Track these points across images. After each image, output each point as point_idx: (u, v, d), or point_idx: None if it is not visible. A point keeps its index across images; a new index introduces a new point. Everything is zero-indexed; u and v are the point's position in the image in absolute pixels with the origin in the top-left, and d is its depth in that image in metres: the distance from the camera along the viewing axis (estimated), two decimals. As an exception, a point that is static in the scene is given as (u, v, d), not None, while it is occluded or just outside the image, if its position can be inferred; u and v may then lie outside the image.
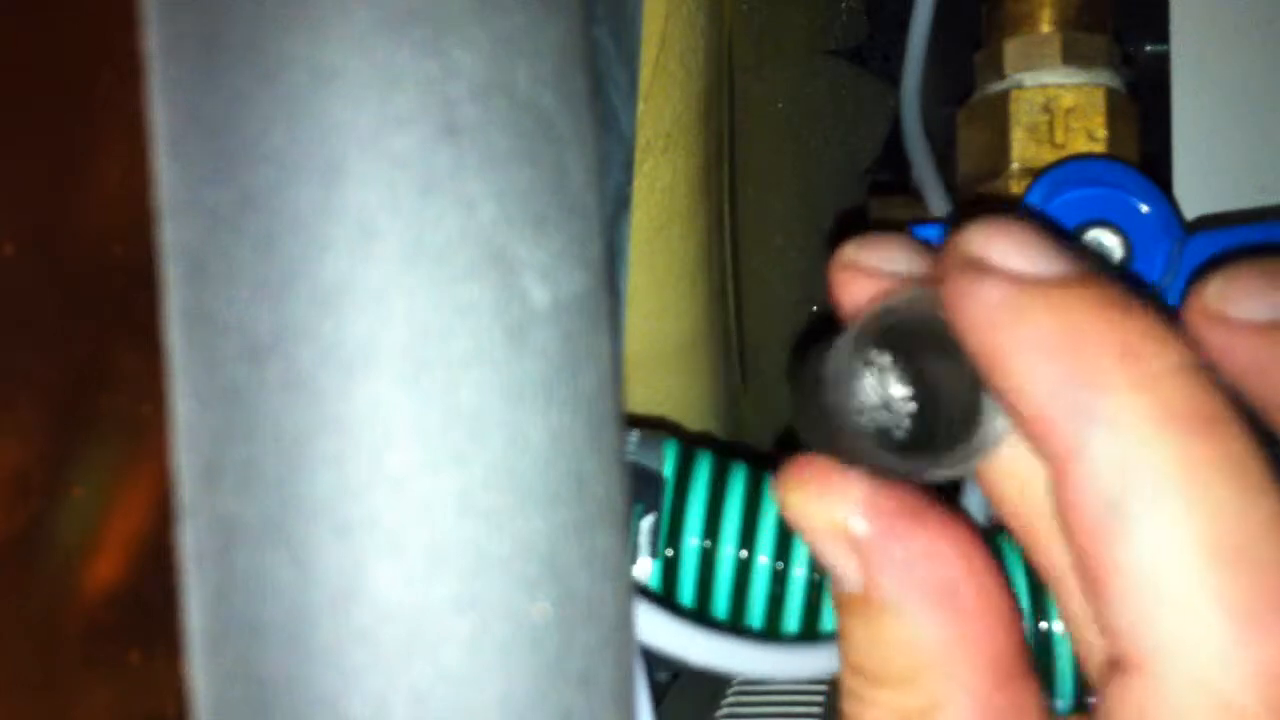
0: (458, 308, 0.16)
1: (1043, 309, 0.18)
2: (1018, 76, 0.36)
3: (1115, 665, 0.17)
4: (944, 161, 0.40)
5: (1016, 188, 0.35)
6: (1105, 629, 0.17)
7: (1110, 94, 0.35)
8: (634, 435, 0.32)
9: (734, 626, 0.32)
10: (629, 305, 0.35)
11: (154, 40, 0.17)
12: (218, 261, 0.16)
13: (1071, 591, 0.19)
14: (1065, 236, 0.20)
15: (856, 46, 0.50)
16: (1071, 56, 0.35)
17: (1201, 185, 0.35)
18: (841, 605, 0.20)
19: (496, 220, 0.17)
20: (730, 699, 0.34)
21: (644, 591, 0.31)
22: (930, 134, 0.41)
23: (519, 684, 0.16)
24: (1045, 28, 0.36)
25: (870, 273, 0.21)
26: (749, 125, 0.47)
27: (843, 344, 0.19)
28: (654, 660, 0.37)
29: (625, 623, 0.18)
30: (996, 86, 0.36)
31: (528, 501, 0.17)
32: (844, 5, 0.47)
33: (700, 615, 0.32)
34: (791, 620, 0.31)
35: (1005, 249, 0.19)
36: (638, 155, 0.34)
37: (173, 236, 0.17)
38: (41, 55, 0.21)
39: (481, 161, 0.17)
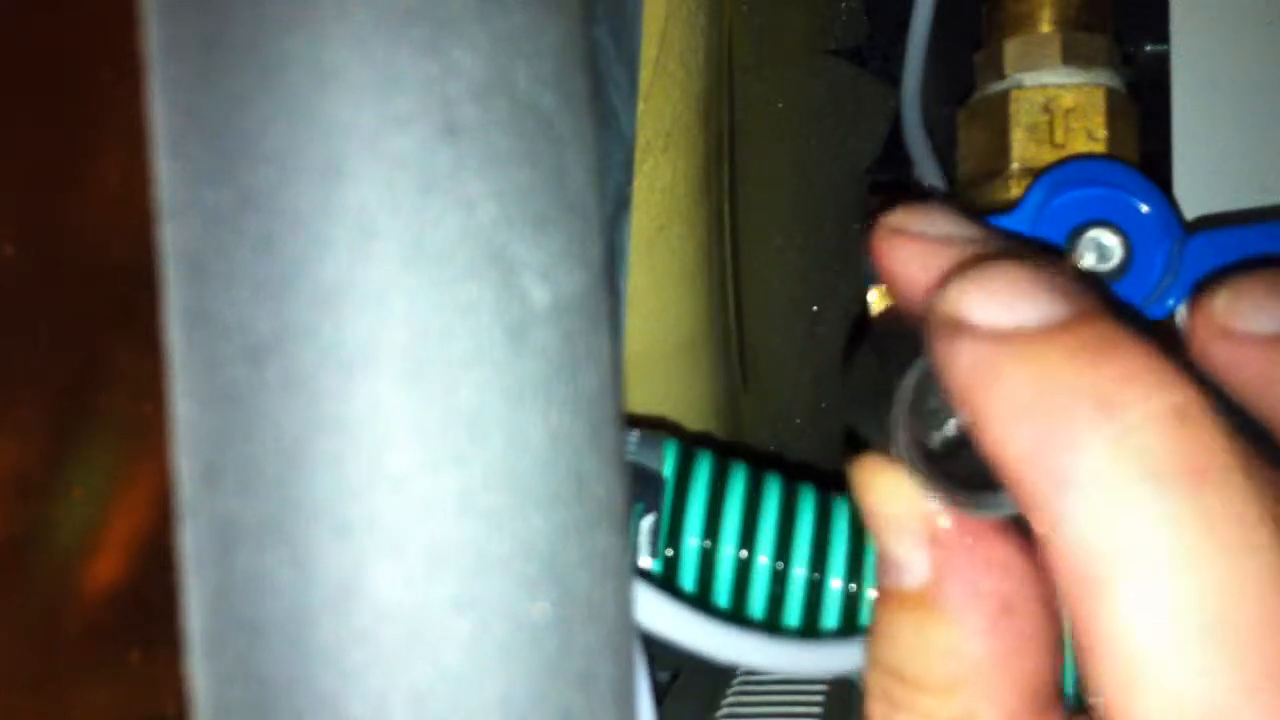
0: (457, 308, 0.16)
1: (1018, 365, 0.17)
2: (1018, 76, 0.36)
3: None
4: (943, 161, 0.40)
5: (1016, 188, 0.35)
6: (1093, 692, 0.17)
7: (1110, 94, 0.35)
8: (634, 435, 0.33)
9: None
10: (629, 305, 0.35)
11: (154, 40, 0.17)
12: (218, 261, 0.16)
13: None
14: (1050, 254, 0.19)
15: (856, 46, 0.50)
16: (1071, 56, 0.35)
17: (1201, 185, 0.35)
18: (893, 602, 0.19)
19: (496, 220, 0.17)
20: (730, 699, 0.34)
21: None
22: (930, 134, 0.41)
23: (519, 684, 0.16)
24: (1045, 28, 0.36)
25: (917, 238, 0.21)
26: (749, 125, 0.47)
27: (916, 374, 0.19)
28: (654, 660, 0.37)
29: (625, 623, 0.18)
30: (996, 86, 0.36)
31: (528, 501, 0.17)
32: (844, 5, 0.47)
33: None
34: (791, 620, 0.31)
35: (982, 301, 0.18)
36: (638, 155, 0.34)
37: (173, 237, 0.17)
38: (41, 55, 0.21)
39: (481, 161, 0.17)
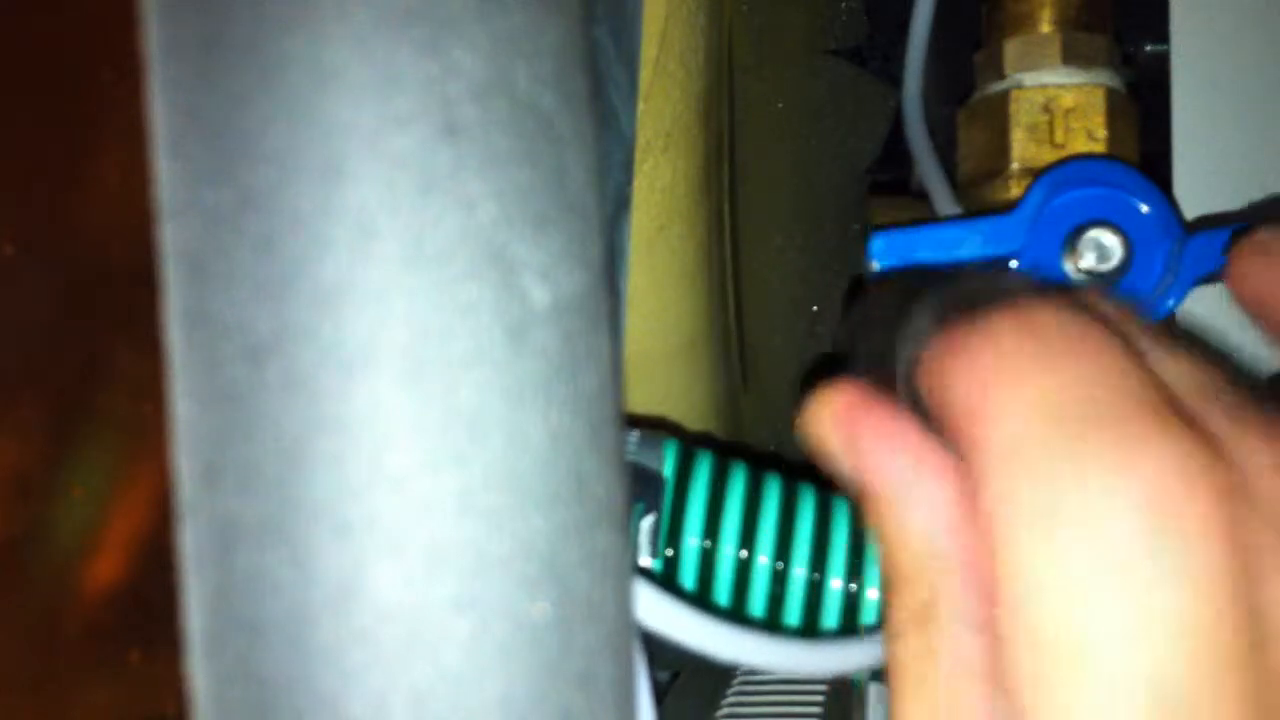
0: (457, 308, 0.16)
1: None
2: (1018, 76, 0.36)
3: None
4: (944, 161, 0.40)
5: (1016, 188, 0.35)
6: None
7: (1110, 94, 0.35)
8: (634, 435, 0.32)
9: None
10: (629, 305, 0.35)
11: (154, 40, 0.17)
12: (218, 262, 0.16)
13: None
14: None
15: (856, 46, 0.50)
16: (1071, 56, 0.35)
17: (1201, 185, 0.35)
18: (866, 507, 0.20)
19: (496, 220, 0.17)
20: (730, 699, 0.34)
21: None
22: (930, 134, 0.41)
23: (519, 684, 0.16)
24: (1045, 28, 0.36)
25: None
26: (749, 125, 0.47)
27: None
28: (654, 660, 0.37)
29: (625, 623, 0.18)
30: (996, 86, 0.36)
31: (528, 501, 0.17)
32: (844, 5, 0.47)
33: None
34: (791, 620, 0.31)
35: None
36: (638, 155, 0.34)
37: (173, 237, 0.17)
38: (41, 55, 0.21)
39: (481, 161, 0.17)
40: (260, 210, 0.16)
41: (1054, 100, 0.35)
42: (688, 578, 0.31)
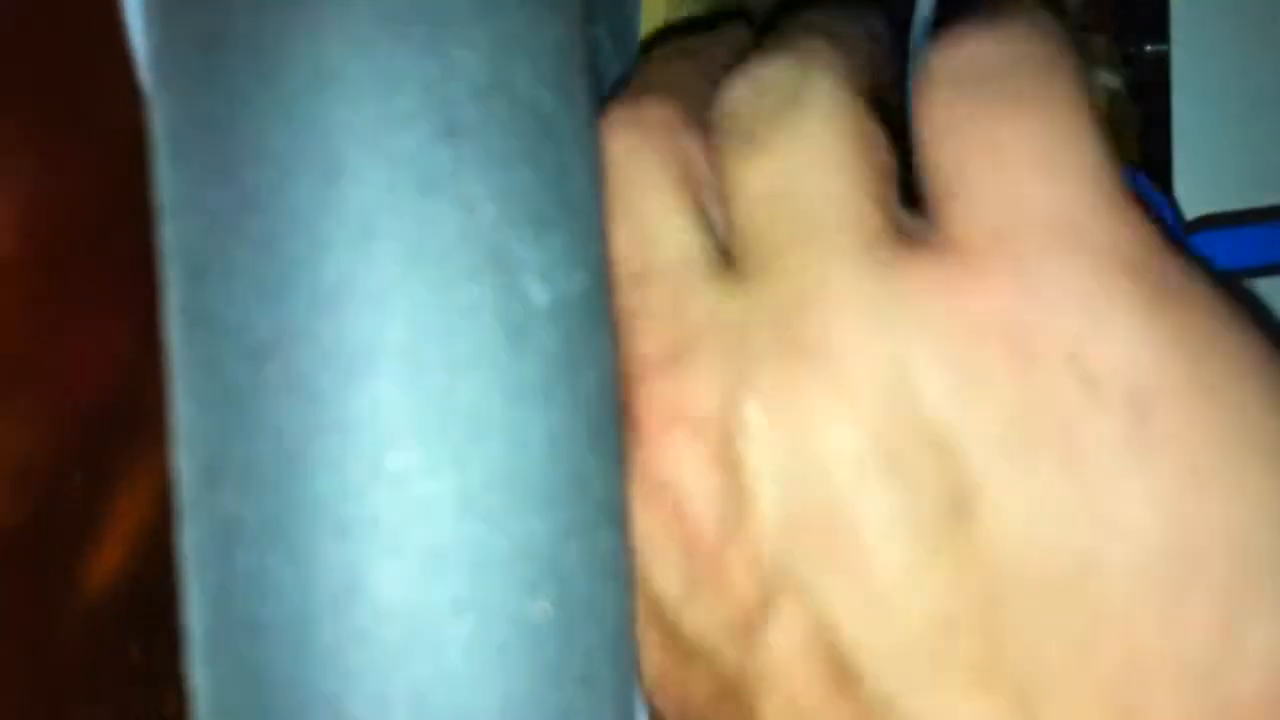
0: (458, 308, 0.16)
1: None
2: (1018, 76, 0.35)
3: None
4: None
5: (1016, 188, 0.35)
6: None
7: (1110, 94, 0.35)
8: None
9: None
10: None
11: (154, 40, 0.17)
12: (217, 261, 0.16)
13: None
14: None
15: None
16: (1071, 56, 0.35)
17: (1201, 185, 0.35)
18: None
19: (496, 220, 0.17)
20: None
21: None
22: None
23: (519, 684, 0.16)
24: (1045, 28, 0.36)
25: None
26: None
27: None
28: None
29: (625, 623, 0.18)
30: (996, 86, 0.36)
31: (528, 501, 0.17)
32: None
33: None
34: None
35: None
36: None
37: (172, 236, 0.17)
38: (41, 54, 0.21)
39: (481, 161, 0.17)
40: (260, 210, 0.16)
41: (1054, 100, 0.35)
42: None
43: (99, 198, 0.22)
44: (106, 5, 0.18)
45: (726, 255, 0.19)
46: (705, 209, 0.20)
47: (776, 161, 0.19)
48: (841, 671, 0.17)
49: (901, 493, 0.17)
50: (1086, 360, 0.16)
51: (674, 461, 0.18)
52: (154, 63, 0.17)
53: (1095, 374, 0.16)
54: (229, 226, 0.16)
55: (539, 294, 0.17)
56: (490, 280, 0.16)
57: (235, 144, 0.16)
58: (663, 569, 0.19)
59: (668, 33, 0.28)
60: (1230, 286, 0.18)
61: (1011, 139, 0.18)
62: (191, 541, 0.17)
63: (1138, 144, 0.35)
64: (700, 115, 0.21)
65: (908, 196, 0.19)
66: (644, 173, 0.20)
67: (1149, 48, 0.41)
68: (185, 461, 0.17)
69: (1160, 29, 0.36)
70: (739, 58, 0.21)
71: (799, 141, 0.19)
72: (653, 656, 0.20)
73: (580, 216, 0.18)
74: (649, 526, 0.19)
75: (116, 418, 0.23)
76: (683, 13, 0.33)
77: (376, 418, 0.16)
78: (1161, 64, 0.36)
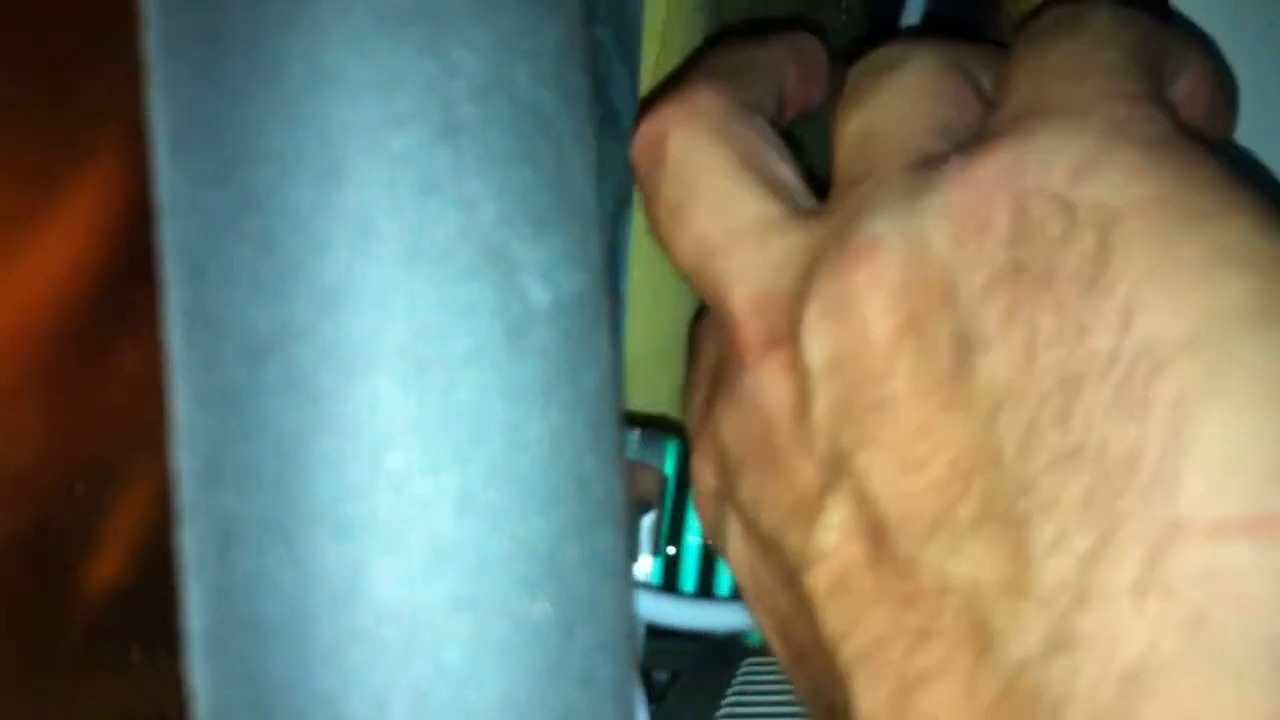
0: (457, 307, 0.16)
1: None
2: (1018, 76, 0.36)
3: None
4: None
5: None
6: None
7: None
8: (635, 434, 0.33)
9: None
10: (629, 305, 0.35)
11: (154, 40, 0.17)
12: (217, 261, 0.16)
13: None
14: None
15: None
16: (1072, 56, 0.35)
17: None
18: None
19: (496, 220, 0.17)
20: (730, 699, 0.34)
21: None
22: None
23: (519, 684, 0.16)
24: (1046, 27, 0.36)
25: None
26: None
27: None
28: (654, 660, 0.37)
29: (625, 623, 0.18)
30: (997, 86, 0.36)
31: (528, 501, 0.17)
32: (844, 5, 0.47)
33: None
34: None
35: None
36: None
37: (172, 236, 0.17)
38: (40, 54, 0.21)
39: (481, 161, 0.17)
40: (260, 210, 0.16)
41: (1054, 100, 0.35)
42: (689, 576, 0.31)
43: (98, 207, 0.22)
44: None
45: (814, 205, 0.23)
46: (773, 176, 0.23)
47: (865, 111, 0.22)
48: (877, 539, 0.19)
49: (921, 352, 0.19)
50: (1070, 197, 0.18)
51: (763, 381, 0.21)
52: (154, 63, 0.17)
53: (1074, 203, 0.18)
54: (228, 226, 0.16)
55: (539, 293, 0.17)
56: (490, 279, 0.16)
57: (235, 143, 0.16)
58: (750, 477, 0.22)
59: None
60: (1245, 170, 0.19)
61: (1055, 56, 0.20)
62: (191, 541, 0.17)
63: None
64: (751, 98, 0.24)
65: None
66: (708, 156, 0.23)
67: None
68: (185, 461, 0.17)
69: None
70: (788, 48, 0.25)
71: (883, 93, 0.22)
72: (744, 562, 0.23)
73: (580, 216, 0.18)
74: (743, 448, 0.22)
75: (119, 425, 0.23)
76: (683, 13, 0.33)
77: (376, 417, 0.16)
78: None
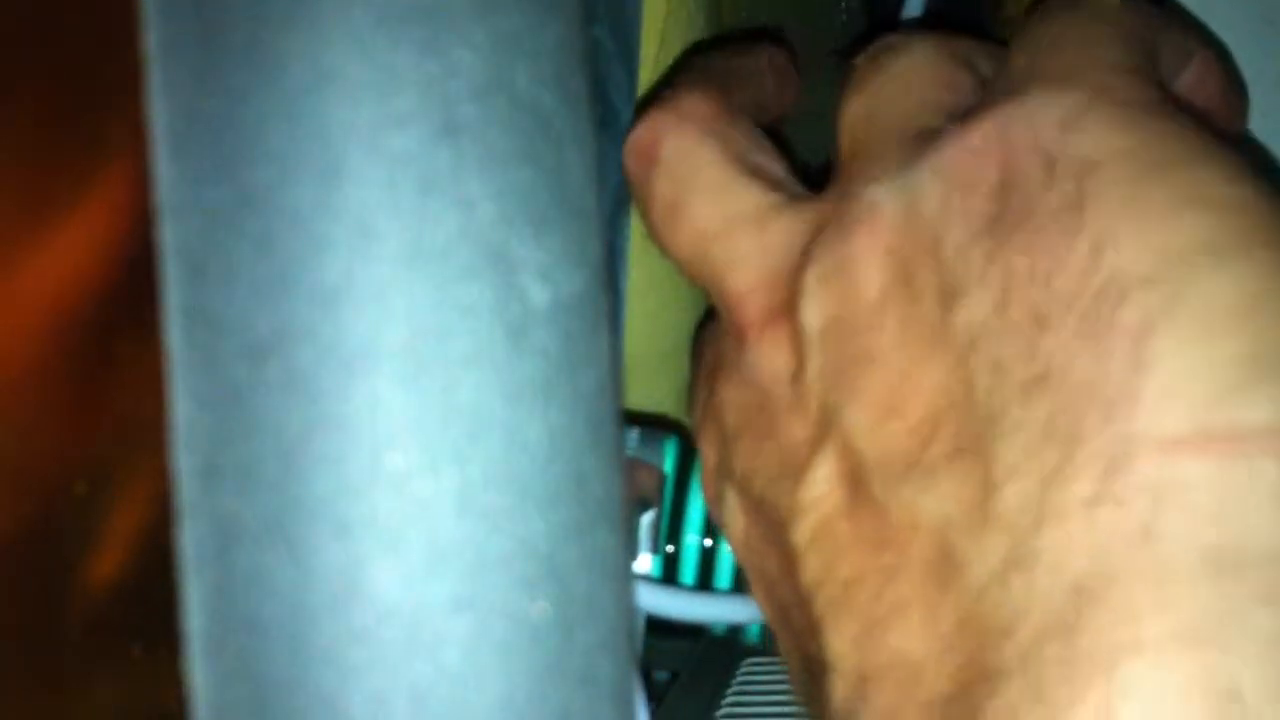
0: (457, 307, 0.16)
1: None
2: (1018, 76, 0.35)
3: None
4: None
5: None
6: None
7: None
8: (635, 432, 0.33)
9: (733, 625, 0.32)
10: (629, 305, 0.35)
11: (154, 40, 0.17)
12: (217, 261, 0.16)
13: None
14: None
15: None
16: (1072, 56, 0.35)
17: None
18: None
19: (496, 220, 0.17)
20: (730, 699, 0.34)
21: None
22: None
23: (519, 683, 0.16)
24: (1046, 27, 0.36)
25: None
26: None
27: None
28: (654, 660, 0.37)
29: (625, 622, 0.18)
30: (997, 86, 0.36)
31: (527, 501, 0.17)
32: (844, 5, 0.47)
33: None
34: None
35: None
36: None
37: (172, 236, 0.17)
38: (40, 54, 0.21)
39: (481, 161, 0.17)
40: (259, 209, 0.16)
41: (1054, 99, 0.35)
42: (688, 574, 0.31)
43: (103, 207, 0.22)
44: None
45: (808, 193, 0.23)
46: (766, 170, 0.24)
47: (866, 93, 0.23)
48: (857, 487, 0.20)
49: (907, 306, 0.20)
50: (1052, 150, 0.19)
51: (764, 353, 0.22)
52: (154, 63, 0.17)
53: (1055, 155, 0.19)
54: (228, 226, 0.16)
55: (538, 293, 0.17)
56: (490, 279, 0.16)
57: (235, 143, 0.16)
58: (746, 445, 0.23)
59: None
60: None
61: (1052, 33, 0.21)
62: (190, 541, 0.17)
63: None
64: (735, 101, 0.25)
65: None
66: (701, 154, 0.24)
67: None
68: (184, 461, 0.17)
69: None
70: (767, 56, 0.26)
71: (883, 76, 0.23)
72: (740, 532, 0.24)
73: (580, 216, 0.18)
74: (741, 420, 0.23)
75: (120, 424, 0.23)
76: (683, 13, 0.33)
77: (376, 417, 0.16)
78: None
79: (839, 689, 0.20)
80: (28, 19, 0.21)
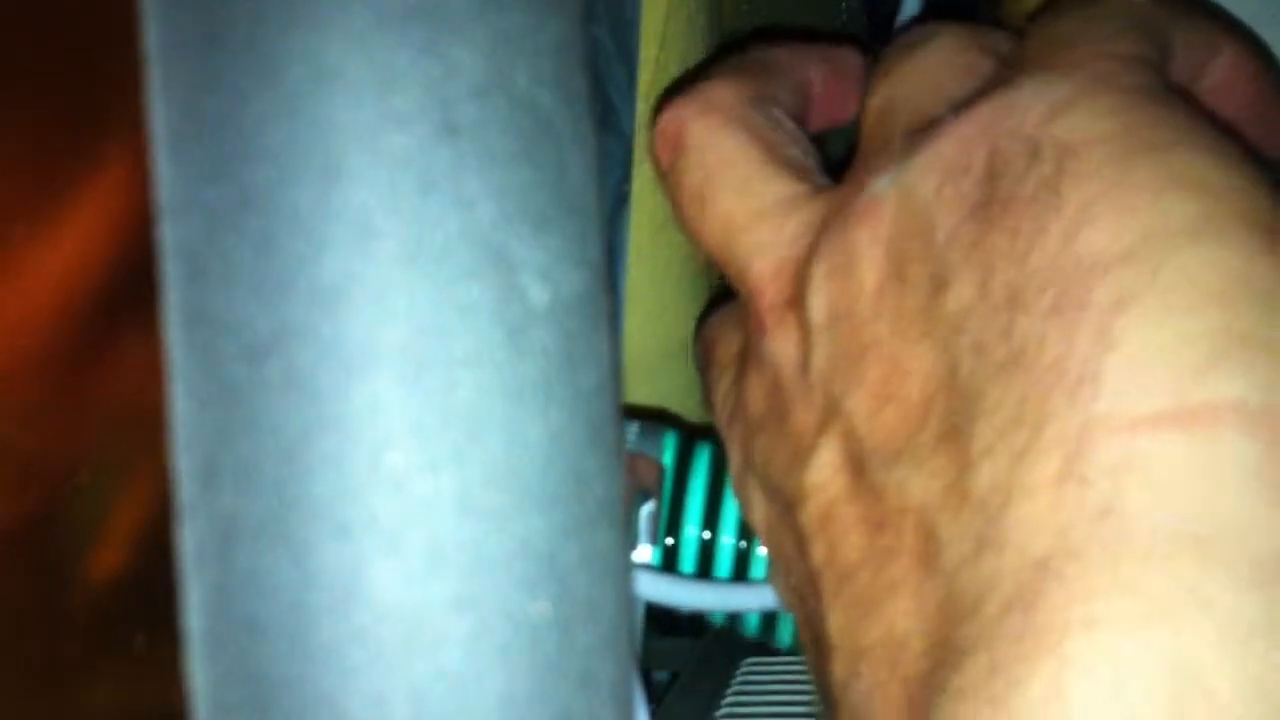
0: (457, 307, 0.16)
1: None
2: (1018, 75, 0.35)
3: None
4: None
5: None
6: None
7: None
8: (634, 426, 0.33)
9: (731, 616, 0.32)
10: (629, 305, 0.35)
11: (154, 40, 0.17)
12: (216, 261, 0.16)
13: None
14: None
15: (857, 46, 0.50)
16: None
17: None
18: None
19: (496, 219, 0.17)
20: (730, 699, 0.34)
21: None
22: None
23: (519, 683, 0.16)
24: (1045, 27, 0.36)
25: None
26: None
27: None
28: (654, 660, 0.37)
29: (625, 622, 0.18)
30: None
31: (527, 501, 0.17)
32: (844, 5, 0.47)
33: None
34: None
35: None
36: (638, 154, 0.34)
37: (172, 235, 0.17)
38: (40, 55, 0.21)
39: (481, 161, 0.17)
40: (259, 209, 0.16)
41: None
42: (687, 567, 0.31)
43: (105, 202, 0.22)
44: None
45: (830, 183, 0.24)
46: (790, 159, 0.24)
47: (887, 84, 0.23)
48: (858, 471, 0.20)
49: (902, 295, 0.20)
50: (1039, 135, 0.19)
51: (778, 340, 0.23)
52: (154, 62, 0.17)
53: (1041, 140, 0.19)
54: (228, 225, 0.16)
55: (538, 293, 0.17)
56: (489, 279, 0.16)
57: (234, 143, 0.16)
58: (764, 437, 0.23)
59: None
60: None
61: (1061, 26, 0.21)
62: (190, 541, 0.17)
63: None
64: (766, 91, 0.25)
65: None
66: (727, 143, 0.24)
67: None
68: (184, 460, 0.17)
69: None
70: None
71: (905, 67, 0.23)
72: (762, 520, 0.24)
73: (579, 215, 0.18)
74: (762, 411, 0.23)
75: (123, 416, 0.23)
76: (683, 13, 0.33)
77: (376, 416, 0.16)
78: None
79: (837, 667, 0.20)
80: (28, 18, 0.21)
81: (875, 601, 0.19)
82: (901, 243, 0.20)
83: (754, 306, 0.23)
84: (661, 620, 0.35)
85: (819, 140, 0.26)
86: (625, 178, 0.33)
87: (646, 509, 0.31)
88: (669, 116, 0.25)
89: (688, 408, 0.41)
